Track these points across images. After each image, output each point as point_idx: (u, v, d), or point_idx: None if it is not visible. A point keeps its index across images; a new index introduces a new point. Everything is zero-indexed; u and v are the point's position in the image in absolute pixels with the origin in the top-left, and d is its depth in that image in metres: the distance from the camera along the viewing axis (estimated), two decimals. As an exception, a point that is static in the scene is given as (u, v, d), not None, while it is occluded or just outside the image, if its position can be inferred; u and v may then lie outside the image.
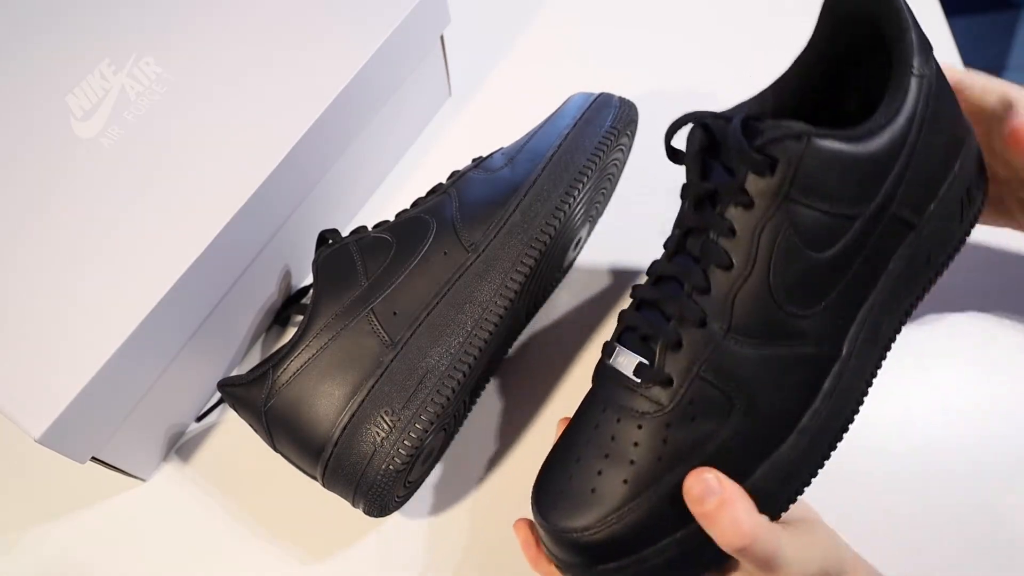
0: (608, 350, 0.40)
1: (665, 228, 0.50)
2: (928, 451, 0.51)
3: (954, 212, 0.38)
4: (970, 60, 0.64)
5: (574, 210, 0.49)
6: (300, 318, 0.55)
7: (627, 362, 0.38)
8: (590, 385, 0.42)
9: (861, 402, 0.38)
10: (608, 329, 0.56)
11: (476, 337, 0.46)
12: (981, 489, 0.50)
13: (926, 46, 0.36)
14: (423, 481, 0.51)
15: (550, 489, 0.38)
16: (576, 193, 0.48)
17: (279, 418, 0.46)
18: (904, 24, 0.35)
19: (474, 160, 0.52)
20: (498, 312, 0.46)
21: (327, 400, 0.45)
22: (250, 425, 0.48)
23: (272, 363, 0.46)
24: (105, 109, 0.49)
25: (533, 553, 0.40)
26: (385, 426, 0.44)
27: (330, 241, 0.50)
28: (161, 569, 0.51)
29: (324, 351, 0.46)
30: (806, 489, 0.37)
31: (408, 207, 0.51)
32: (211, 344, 0.52)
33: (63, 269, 0.45)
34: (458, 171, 0.52)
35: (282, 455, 0.47)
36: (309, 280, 0.50)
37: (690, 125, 0.37)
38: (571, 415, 0.41)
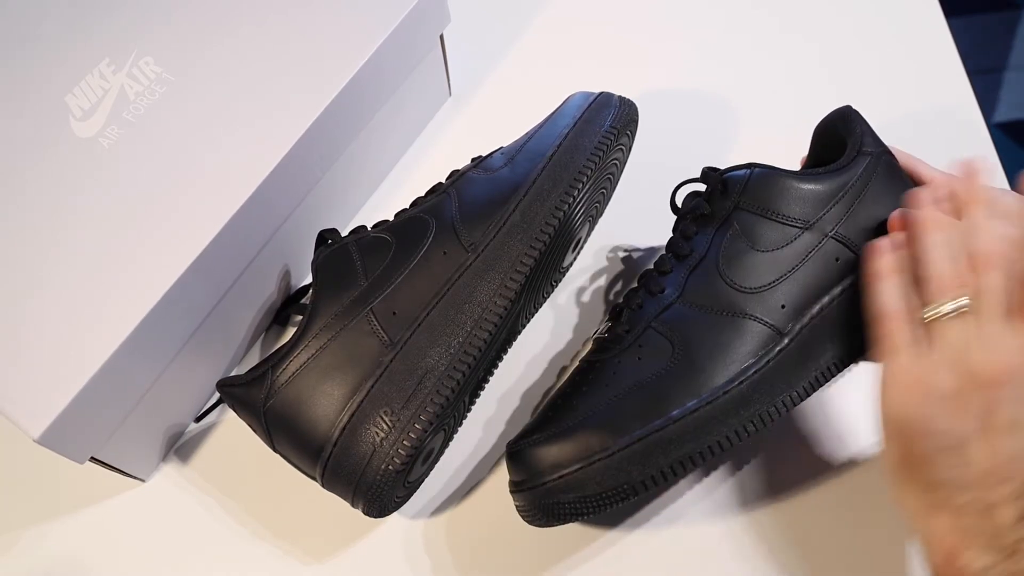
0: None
1: (665, 227, 0.50)
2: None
3: None
4: (970, 60, 0.64)
5: (574, 210, 0.49)
6: (300, 318, 0.55)
7: (603, 327, 0.50)
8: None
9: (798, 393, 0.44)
10: (608, 329, 0.56)
11: (476, 337, 0.46)
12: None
13: (875, 137, 0.49)
14: (423, 481, 0.51)
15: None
16: (576, 193, 0.48)
17: (278, 418, 0.46)
18: (854, 125, 0.49)
19: (474, 160, 0.52)
20: (498, 312, 0.46)
21: (326, 400, 0.45)
22: (249, 425, 0.48)
23: (271, 363, 0.46)
24: (104, 109, 0.49)
25: None
26: (384, 426, 0.44)
27: (330, 241, 0.50)
28: (161, 569, 0.51)
29: (323, 351, 0.46)
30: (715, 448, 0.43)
31: (408, 207, 0.51)
32: (211, 344, 0.52)
33: (62, 269, 0.45)
34: (458, 171, 0.52)
35: (281, 455, 0.47)
36: (309, 280, 0.50)
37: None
38: None
